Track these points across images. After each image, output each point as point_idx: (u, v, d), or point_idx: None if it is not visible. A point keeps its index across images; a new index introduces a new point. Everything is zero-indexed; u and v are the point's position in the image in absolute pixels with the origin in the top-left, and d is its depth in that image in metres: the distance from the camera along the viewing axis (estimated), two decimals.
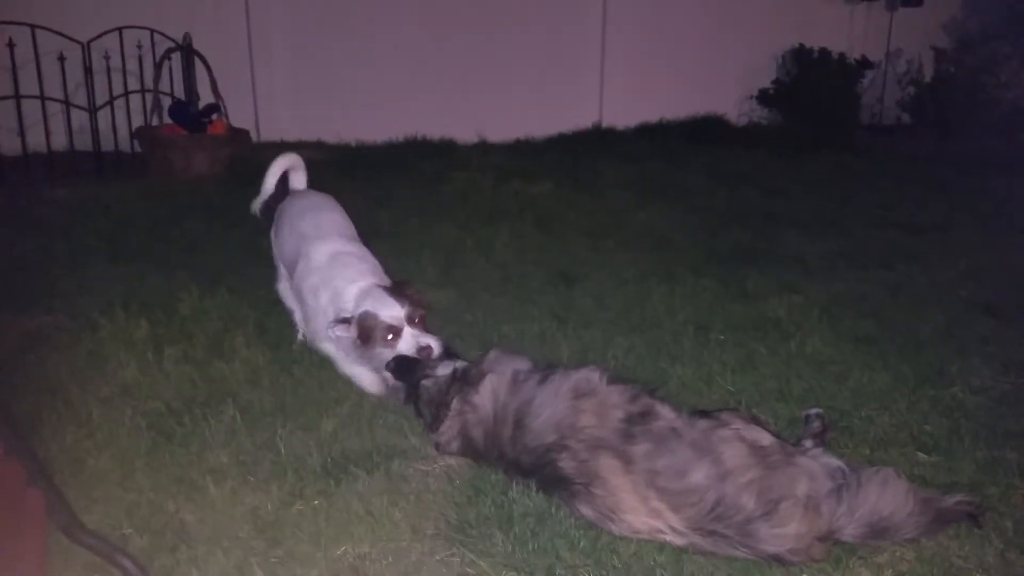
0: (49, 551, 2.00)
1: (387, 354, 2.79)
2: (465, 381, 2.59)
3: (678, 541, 2.15)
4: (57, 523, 1.92)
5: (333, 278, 2.98)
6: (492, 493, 2.39)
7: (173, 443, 2.64)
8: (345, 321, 2.82)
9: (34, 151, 6.09)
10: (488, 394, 2.51)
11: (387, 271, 4.20)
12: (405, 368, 2.76)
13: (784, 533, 2.08)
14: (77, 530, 1.94)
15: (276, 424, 2.75)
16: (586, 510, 2.24)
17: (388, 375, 2.83)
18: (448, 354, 2.82)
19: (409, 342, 2.78)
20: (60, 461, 2.50)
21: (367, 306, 2.81)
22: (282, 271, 3.48)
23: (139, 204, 5.42)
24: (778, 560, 2.09)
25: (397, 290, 2.89)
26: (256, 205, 3.79)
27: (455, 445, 2.56)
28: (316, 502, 2.37)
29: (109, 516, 2.30)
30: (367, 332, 2.78)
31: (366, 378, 2.98)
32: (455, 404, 2.55)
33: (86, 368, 3.13)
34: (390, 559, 2.16)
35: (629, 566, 2.11)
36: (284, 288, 3.49)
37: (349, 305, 2.87)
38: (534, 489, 2.37)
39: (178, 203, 5.42)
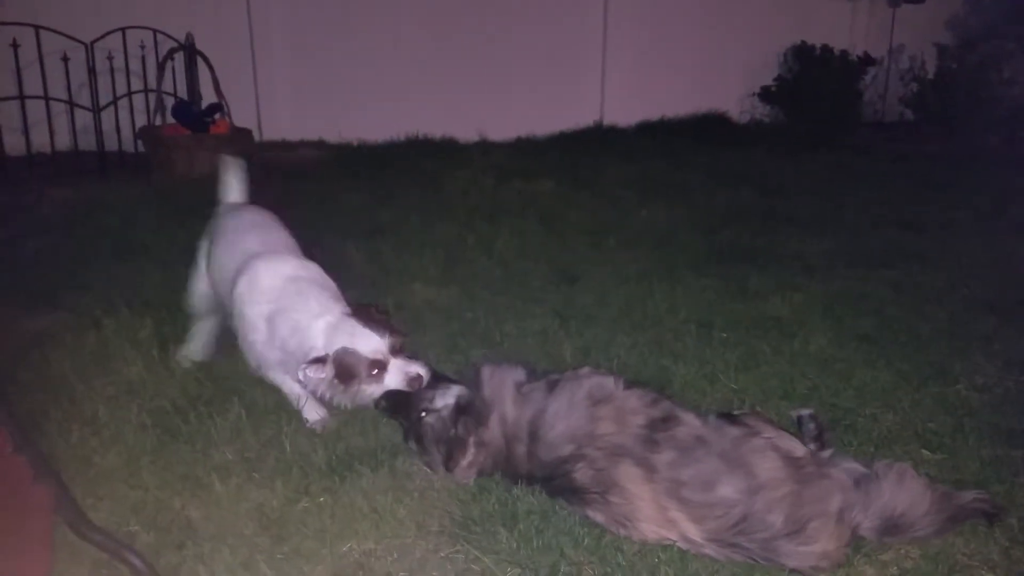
0: (56, 547, 2.02)
1: (372, 390, 2.57)
2: (470, 414, 2.45)
3: (690, 550, 2.12)
4: (64, 519, 1.93)
5: (292, 308, 2.67)
6: (496, 491, 2.39)
7: (179, 441, 2.65)
8: (319, 361, 2.54)
9: (38, 151, 6.12)
10: (496, 425, 2.42)
11: (386, 270, 4.24)
12: (399, 404, 2.56)
13: (810, 551, 2.05)
14: (84, 526, 1.95)
15: (281, 422, 2.76)
16: (597, 516, 2.21)
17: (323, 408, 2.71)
18: (436, 377, 2.62)
19: (397, 376, 2.54)
20: (66, 459, 2.51)
21: (342, 342, 2.53)
22: (196, 281, 3.24)
23: (143, 203, 5.43)
24: (798, 572, 2.06)
25: (366, 316, 2.61)
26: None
27: (471, 478, 2.46)
28: (321, 499, 2.38)
29: (115, 513, 2.31)
30: (348, 371, 2.53)
31: (311, 408, 2.77)
32: (472, 443, 2.41)
33: (91, 366, 3.14)
34: (395, 555, 2.17)
35: (633, 564, 2.11)
36: (198, 300, 3.25)
37: (319, 342, 2.56)
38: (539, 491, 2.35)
39: (181, 202, 5.43)
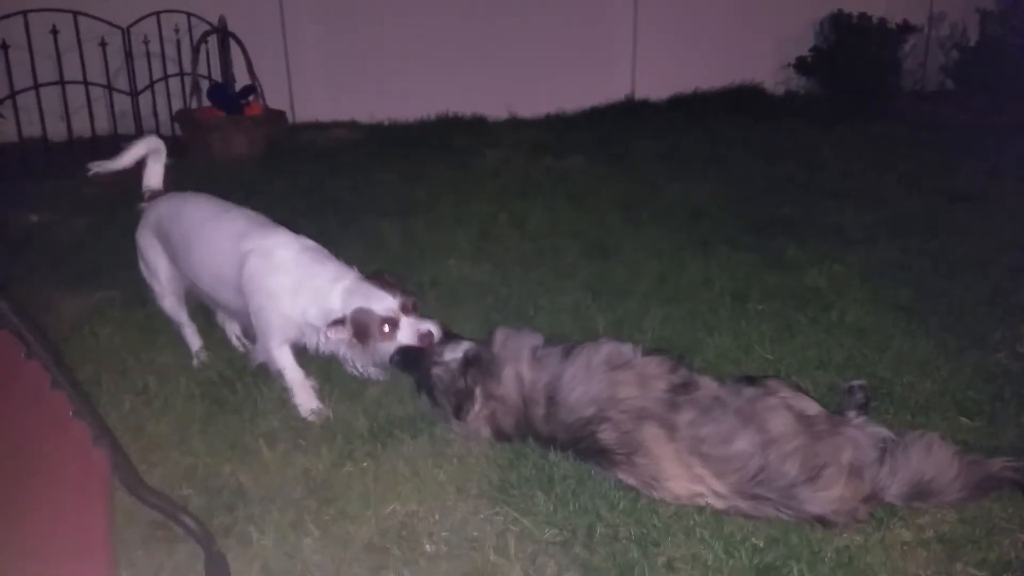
0: (114, 508, 2.11)
1: (387, 348, 2.67)
2: (480, 367, 2.53)
3: (719, 504, 2.18)
4: (121, 481, 2.01)
5: (313, 276, 2.74)
6: (532, 456, 2.45)
7: (227, 410, 2.74)
8: (339, 323, 2.65)
9: (79, 136, 6.25)
10: (512, 381, 2.49)
11: (420, 248, 4.29)
12: (411, 359, 2.66)
13: (827, 496, 2.11)
14: (140, 488, 2.03)
15: (324, 392, 2.83)
16: (628, 479, 2.27)
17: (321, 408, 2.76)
18: (449, 336, 2.73)
19: (408, 331, 2.65)
20: (119, 428, 2.60)
21: (358, 302, 2.64)
22: (164, 287, 3.13)
23: (181, 185, 5.53)
24: (821, 520, 2.12)
25: (380, 280, 2.73)
26: (98, 168, 3.26)
27: (484, 432, 2.54)
28: (365, 464, 2.45)
29: (168, 478, 2.41)
30: (363, 329, 2.63)
31: (306, 399, 2.79)
32: (479, 394, 2.50)
33: (140, 340, 3.25)
34: (436, 517, 2.24)
35: (669, 525, 2.15)
36: (171, 304, 3.17)
37: (336, 305, 2.67)
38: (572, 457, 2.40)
39: (219, 183, 5.50)
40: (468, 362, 2.57)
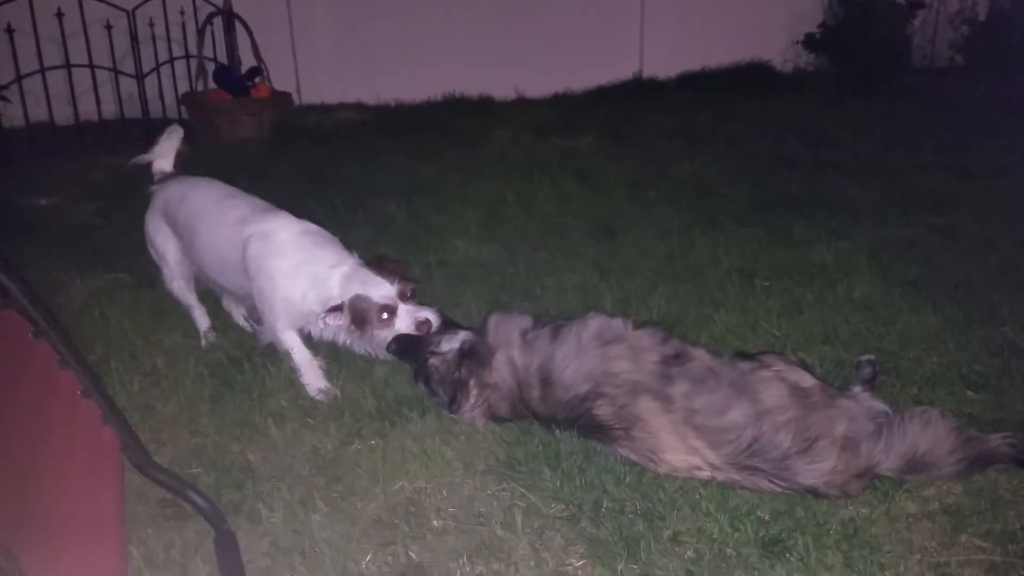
0: (125, 487, 2.14)
1: (385, 335, 2.67)
2: (474, 358, 2.53)
3: (716, 476, 2.20)
4: (131, 459, 2.04)
5: (311, 261, 2.74)
6: (539, 433, 2.46)
7: (235, 390, 2.77)
8: (336, 309, 2.65)
9: (86, 119, 6.25)
10: (504, 367, 2.49)
11: (428, 228, 4.29)
12: (408, 347, 2.66)
13: (820, 468, 2.12)
14: (150, 466, 2.06)
15: (332, 372, 2.85)
16: (628, 453, 2.29)
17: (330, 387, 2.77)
18: (447, 324, 2.72)
19: (406, 319, 2.65)
20: (128, 408, 2.63)
21: (356, 289, 2.64)
22: (173, 270, 3.15)
23: (188, 167, 5.54)
24: (813, 492, 2.13)
25: (380, 266, 2.71)
26: (137, 160, 3.33)
27: (480, 421, 2.54)
28: (373, 442, 2.48)
29: (177, 457, 2.44)
30: (361, 316, 2.63)
31: (314, 379, 2.80)
32: (473, 386, 2.50)
33: (148, 322, 3.27)
34: (444, 493, 2.26)
35: (675, 499, 2.17)
36: (179, 287, 3.19)
37: (335, 291, 2.67)
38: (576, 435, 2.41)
39: (225, 166, 5.52)
40: (464, 354, 2.56)
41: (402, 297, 2.66)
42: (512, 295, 3.45)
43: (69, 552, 1.40)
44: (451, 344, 2.62)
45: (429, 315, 2.67)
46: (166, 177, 3.25)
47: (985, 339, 2.94)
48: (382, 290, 2.64)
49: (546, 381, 2.42)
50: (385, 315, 2.63)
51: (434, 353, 2.61)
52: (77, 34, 6.02)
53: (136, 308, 3.38)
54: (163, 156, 3.28)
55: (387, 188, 4.93)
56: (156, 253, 3.20)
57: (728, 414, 2.20)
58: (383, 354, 2.84)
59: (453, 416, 2.57)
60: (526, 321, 2.58)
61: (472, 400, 2.50)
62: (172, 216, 3.09)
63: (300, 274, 2.73)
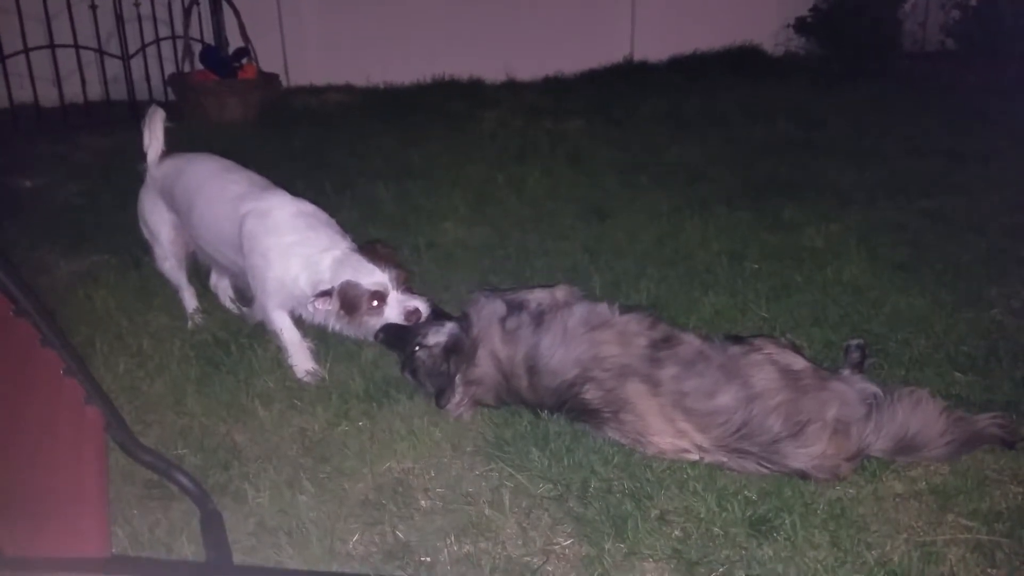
0: (110, 468, 2.12)
1: (374, 323, 2.63)
2: (459, 353, 2.49)
3: (704, 458, 2.19)
4: (117, 440, 2.02)
5: (304, 242, 2.71)
6: (527, 415, 2.45)
7: (222, 371, 2.74)
8: (326, 294, 2.61)
9: (71, 101, 6.17)
10: (487, 361, 2.46)
11: (417, 211, 4.26)
12: (396, 337, 2.62)
13: (810, 452, 2.12)
14: (135, 447, 2.04)
15: (320, 353, 2.83)
16: (617, 436, 2.28)
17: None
18: (436, 313, 2.67)
19: (395, 308, 2.60)
20: (114, 389, 2.62)
21: (347, 275, 2.60)
22: (165, 249, 3.13)
23: (175, 149, 5.49)
24: (802, 475, 2.13)
25: (372, 252, 2.67)
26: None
27: (467, 415, 2.51)
28: (360, 423, 2.47)
29: (163, 438, 2.42)
30: (351, 302, 2.59)
31: (302, 360, 2.78)
32: (459, 382, 2.46)
33: (133, 303, 3.24)
34: (432, 473, 2.26)
35: (662, 479, 2.17)
36: (171, 267, 3.16)
37: (326, 275, 2.63)
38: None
39: (212, 147, 5.44)
40: (450, 349, 2.53)
41: (393, 285, 2.62)
42: (502, 277, 3.43)
43: (49, 527, 1.38)
44: (438, 337, 2.57)
45: (419, 304, 2.63)
46: (161, 156, 3.20)
47: (973, 321, 2.95)
48: (373, 277, 2.60)
49: (533, 370, 2.40)
50: (375, 303, 2.59)
51: (422, 345, 2.57)
52: (62, 14, 5.93)
53: (122, 289, 3.35)
54: (155, 140, 3.21)
55: (376, 170, 4.90)
56: (149, 232, 3.16)
57: (718, 397, 2.20)
58: (372, 340, 2.83)
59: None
60: (500, 308, 2.54)
61: (458, 398, 2.47)
62: (168, 191, 3.05)
63: (293, 255, 2.69)
